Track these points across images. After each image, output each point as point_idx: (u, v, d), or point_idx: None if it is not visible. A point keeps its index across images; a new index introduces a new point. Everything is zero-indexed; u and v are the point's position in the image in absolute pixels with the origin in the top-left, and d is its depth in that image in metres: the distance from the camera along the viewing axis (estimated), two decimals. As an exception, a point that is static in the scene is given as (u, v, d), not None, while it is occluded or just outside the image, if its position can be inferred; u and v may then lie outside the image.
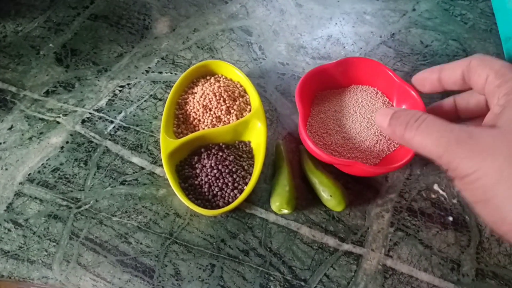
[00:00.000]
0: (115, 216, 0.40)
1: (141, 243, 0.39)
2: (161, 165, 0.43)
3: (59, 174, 0.42)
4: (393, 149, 0.41)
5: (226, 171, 0.40)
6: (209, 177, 0.40)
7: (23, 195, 0.41)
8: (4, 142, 0.43)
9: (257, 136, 0.43)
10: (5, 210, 0.40)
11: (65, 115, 0.45)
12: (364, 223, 0.41)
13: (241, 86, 0.46)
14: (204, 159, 0.41)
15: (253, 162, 0.42)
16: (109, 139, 0.44)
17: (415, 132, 0.30)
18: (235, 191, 0.40)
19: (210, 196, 0.40)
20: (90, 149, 0.43)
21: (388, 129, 0.33)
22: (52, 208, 0.40)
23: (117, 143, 0.44)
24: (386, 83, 0.44)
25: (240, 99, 0.44)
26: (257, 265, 0.39)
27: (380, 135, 0.41)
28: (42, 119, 0.45)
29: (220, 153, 0.41)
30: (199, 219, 0.41)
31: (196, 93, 0.44)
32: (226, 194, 0.40)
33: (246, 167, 0.42)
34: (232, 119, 0.43)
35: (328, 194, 0.39)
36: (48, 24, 0.51)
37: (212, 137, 0.42)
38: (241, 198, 0.39)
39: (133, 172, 0.42)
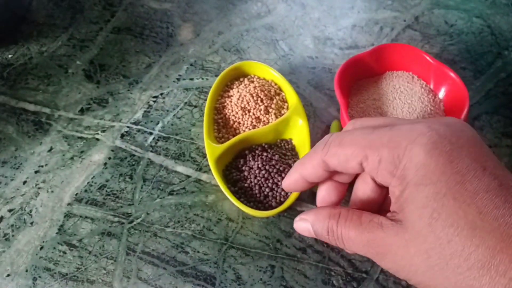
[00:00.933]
0: (168, 227, 0.40)
1: (198, 251, 0.39)
2: (206, 172, 0.43)
3: (106, 191, 0.42)
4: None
5: (274, 170, 0.40)
6: (258, 178, 0.40)
7: (73, 215, 0.41)
8: (46, 165, 0.43)
9: (298, 133, 0.42)
10: (57, 233, 0.40)
11: (103, 131, 0.45)
12: (418, 208, 0.40)
13: (275, 84, 0.46)
14: (250, 161, 0.41)
15: (297, 159, 0.42)
16: (151, 151, 0.44)
17: (344, 248, 0.27)
18: (286, 190, 0.40)
19: (261, 198, 0.40)
20: (134, 163, 0.43)
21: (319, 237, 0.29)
22: (105, 225, 0.40)
23: (159, 154, 0.43)
24: (422, 66, 0.44)
25: (277, 97, 0.44)
26: (317, 262, 0.39)
27: (424, 119, 0.41)
28: (81, 138, 0.44)
29: (265, 154, 0.41)
30: (251, 221, 0.40)
31: (232, 96, 0.44)
32: (277, 194, 0.40)
33: (292, 165, 0.41)
34: (271, 118, 0.43)
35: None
36: (72, 42, 0.50)
37: (255, 138, 0.42)
38: (294, 196, 0.39)
39: (180, 181, 0.42)
